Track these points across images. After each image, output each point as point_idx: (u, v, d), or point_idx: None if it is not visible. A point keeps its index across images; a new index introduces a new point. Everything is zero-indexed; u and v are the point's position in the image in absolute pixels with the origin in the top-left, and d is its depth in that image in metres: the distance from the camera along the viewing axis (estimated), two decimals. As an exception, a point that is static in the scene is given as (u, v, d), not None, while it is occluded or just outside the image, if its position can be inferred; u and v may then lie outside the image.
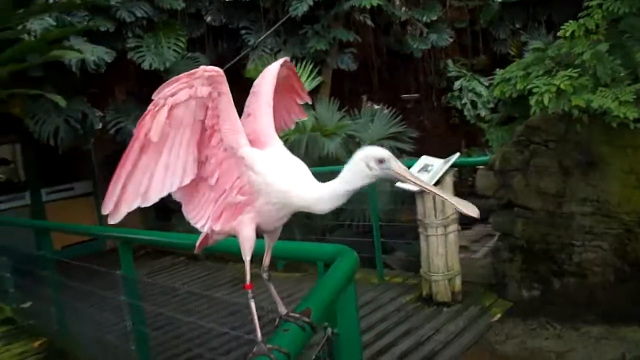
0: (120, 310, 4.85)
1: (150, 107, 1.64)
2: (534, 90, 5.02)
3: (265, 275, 1.98)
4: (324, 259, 2.73)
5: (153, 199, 1.68)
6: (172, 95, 1.64)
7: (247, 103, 2.00)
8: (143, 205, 1.68)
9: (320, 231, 8.95)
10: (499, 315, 5.63)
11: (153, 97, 1.66)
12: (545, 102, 4.86)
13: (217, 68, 1.68)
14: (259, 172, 1.72)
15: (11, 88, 7.52)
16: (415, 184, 1.71)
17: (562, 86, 4.85)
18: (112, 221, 1.67)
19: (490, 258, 6.38)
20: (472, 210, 1.68)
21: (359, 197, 8.11)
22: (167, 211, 8.56)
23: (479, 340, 5.16)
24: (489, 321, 5.54)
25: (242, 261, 1.93)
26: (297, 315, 1.89)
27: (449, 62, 13.74)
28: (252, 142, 1.82)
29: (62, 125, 8.55)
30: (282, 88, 2.09)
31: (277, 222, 1.85)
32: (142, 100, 9.91)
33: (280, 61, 2.08)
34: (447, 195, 1.73)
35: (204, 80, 1.65)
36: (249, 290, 1.84)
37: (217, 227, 1.85)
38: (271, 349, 1.66)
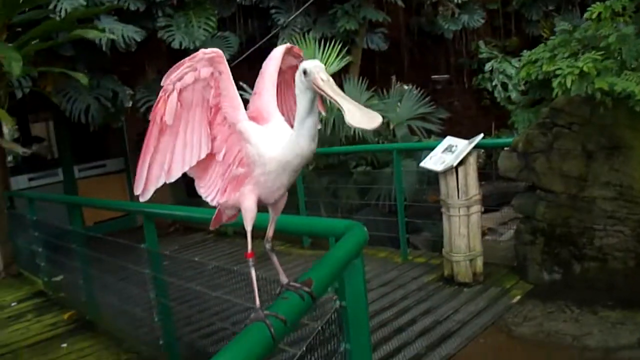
0: (144, 284, 5.00)
1: (161, 93, 1.79)
2: (557, 72, 4.98)
3: (268, 246, 2.05)
4: (335, 234, 2.77)
5: (176, 174, 1.85)
6: (179, 79, 1.78)
7: (255, 83, 2.08)
8: (168, 182, 1.85)
9: (346, 210, 9.02)
10: (518, 297, 5.64)
11: (162, 83, 1.79)
12: (568, 84, 4.82)
13: (215, 49, 1.79)
14: (254, 144, 1.81)
15: (42, 66, 7.68)
16: (333, 99, 1.68)
17: (585, 69, 4.80)
18: (142, 199, 1.85)
19: (513, 240, 6.37)
20: (367, 122, 1.62)
21: (386, 177, 8.25)
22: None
23: (496, 321, 5.17)
24: (509, 303, 5.55)
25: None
26: (297, 285, 1.96)
27: (481, 43, 13.62)
28: (256, 118, 1.93)
29: (93, 103, 8.69)
30: (290, 77, 2.13)
31: (276, 193, 1.91)
32: (172, 79, 10.04)
33: (287, 45, 2.14)
34: (344, 101, 1.67)
35: (205, 62, 1.77)
36: (250, 259, 1.91)
37: (222, 200, 1.94)
38: (268, 314, 1.72)
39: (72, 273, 6.65)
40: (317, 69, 1.72)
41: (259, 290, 1.90)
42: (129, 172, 11.87)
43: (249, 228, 1.90)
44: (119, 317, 5.77)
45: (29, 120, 11.91)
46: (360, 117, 1.62)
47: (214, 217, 2.10)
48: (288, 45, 2.15)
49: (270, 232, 2.05)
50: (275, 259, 2.06)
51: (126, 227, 10.04)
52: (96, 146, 12.07)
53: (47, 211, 7.82)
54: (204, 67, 1.78)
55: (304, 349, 2.44)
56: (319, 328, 2.52)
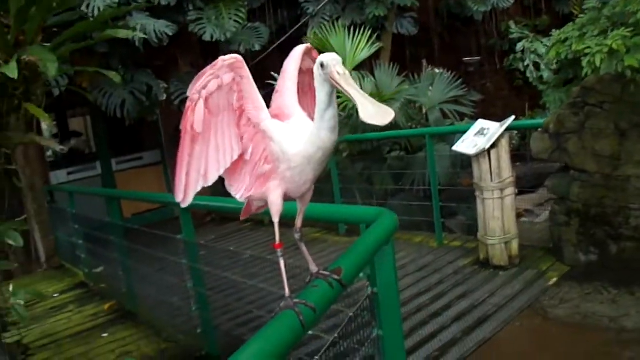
0: (182, 274, 5.10)
1: (188, 103, 1.86)
2: (587, 51, 4.92)
3: (297, 236, 2.08)
4: (366, 221, 2.80)
5: (212, 178, 1.92)
6: (204, 87, 1.83)
7: (277, 82, 2.13)
8: (206, 185, 1.92)
9: (381, 196, 9.03)
10: (555, 280, 5.62)
11: (188, 93, 1.86)
12: (597, 62, 4.76)
13: (235, 55, 1.83)
14: (277, 141, 1.85)
15: (78, 63, 7.82)
16: (347, 93, 1.71)
17: (614, 46, 4.73)
18: (184, 205, 1.93)
19: (548, 222, 6.34)
20: (380, 117, 1.66)
21: (420, 162, 8.24)
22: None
23: (532, 304, 5.16)
24: (545, 285, 5.53)
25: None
26: (327, 273, 1.98)
27: (511, 23, 13.47)
28: (278, 116, 1.98)
29: (128, 97, 8.82)
30: (310, 78, 2.16)
31: (302, 187, 1.94)
32: (205, 71, 10.12)
33: (306, 46, 2.18)
34: (358, 95, 1.69)
35: (226, 69, 1.83)
36: (278, 250, 1.95)
37: (251, 194, 1.99)
38: (298, 303, 1.76)
39: (112, 264, 6.79)
40: (333, 62, 1.75)
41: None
42: (166, 164, 12.02)
43: (275, 219, 1.94)
44: (157, 307, 5.89)
45: (67, 115, 12.11)
46: (373, 112, 1.65)
47: (244, 207, 2.16)
48: (307, 45, 2.18)
49: (298, 222, 2.09)
50: (304, 248, 2.09)
51: (164, 218, 10.18)
52: (133, 139, 12.24)
53: (86, 204, 7.98)
54: (226, 73, 1.83)
55: (337, 335, 2.49)
56: (351, 315, 2.57)
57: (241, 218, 2.25)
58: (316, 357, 2.29)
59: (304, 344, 4.51)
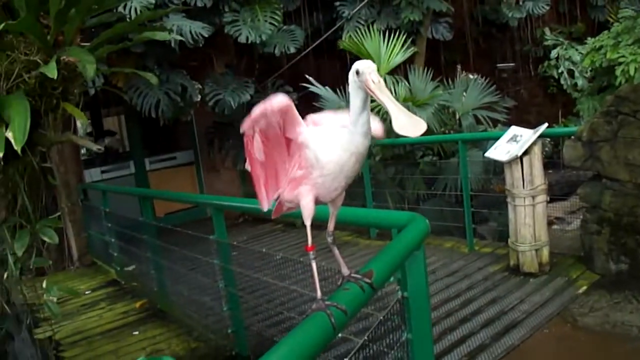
0: (213, 274, 5.15)
1: (245, 139, 2.00)
2: (621, 60, 4.90)
3: (329, 240, 2.10)
4: (398, 226, 2.81)
5: (283, 184, 2.05)
6: (256, 123, 1.90)
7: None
8: (281, 191, 2.06)
9: (413, 200, 9.03)
10: (584, 288, 5.57)
11: (242, 130, 1.97)
12: (631, 72, 4.74)
13: (284, 99, 1.86)
14: (312, 149, 1.88)
15: (114, 64, 7.93)
16: (381, 102, 1.74)
17: (648, 55, 4.72)
18: (266, 209, 2.12)
19: (579, 230, 6.29)
20: (412, 128, 1.71)
21: (452, 167, 8.22)
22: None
23: (562, 311, 5.13)
24: (575, 293, 5.49)
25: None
26: (359, 276, 2.00)
27: (546, 30, 13.38)
28: (313, 123, 2.04)
29: (163, 98, 8.90)
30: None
31: (333, 193, 1.97)
32: (240, 73, 10.20)
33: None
34: (391, 105, 1.73)
35: (275, 112, 1.86)
36: (311, 252, 1.98)
37: (283, 197, 2.03)
38: (329, 305, 1.77)
39: (144, 263, 6.87)
40: (369, 69, 1.78)
41: (323, 280, 1.98)
42: (199, 164, 12.11)
43: (307, 222, 1.97)
44: (188, 306, 5.94)
45: (102, 114, 12.28)
46: (406, 122, 1.70)
47: (275, 207, 2.19)
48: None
49: (330, 226, 2.11)
50: (336, 251, 2.12)
51: (196, 218, 10.26)
52: (166, 139, 12.35)
53: (119, 202, 8.07)
54: (274, 115, 1.88)
55: (366, 337, 2.51)
56: (381, 318, 2.59)
57: (272, 217, 2.29)
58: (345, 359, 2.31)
59: (334, 346, 4.54)
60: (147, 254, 6.61)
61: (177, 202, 10.28)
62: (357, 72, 1.79)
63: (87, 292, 7.80)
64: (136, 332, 6.04)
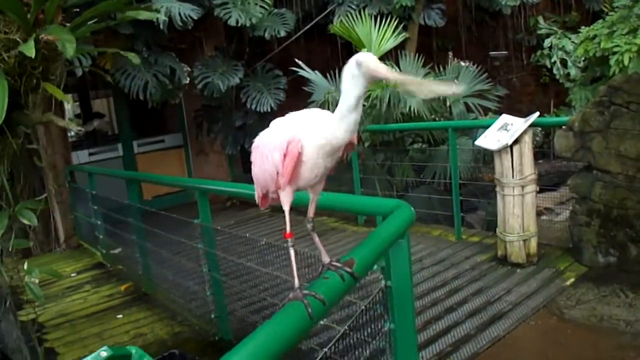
0: (198, 258, 5.10)
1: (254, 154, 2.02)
2: (615, 49, 4.85)
3: (309, 226, 2.05)
4: (383, 213, 2.76)
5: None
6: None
7: None
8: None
9: (401, 187, 8.99)
10: (572, 280, 5.55)
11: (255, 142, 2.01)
12: (625, 61, 4.69)
13: (297, 147, 1.81)
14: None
15: (102, 44, 7.82)
16: (395, 78, 1.81)
17: (644, 45, 4.67)
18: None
19: (568, 221, 6.26)
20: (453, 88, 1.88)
21: (442, 155, 8.19)
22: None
23: (548, 303, 5.10)
24: (562, 285, 5.46)
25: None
26: (339, 264, 1.95)
27: (540, 18, 13.33)
28: None
29: (151, 80, 8.81)
30: None
31: (313, 181, 1.92)
32: (229, 56, 10.11)
33: None
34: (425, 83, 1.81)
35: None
36: (289, 239, 1.93)
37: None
38: (307, 294, 1.73)
39: (129, 246, 6.82)
40: (371, 59, 1.75)
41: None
42: (187, 147, 12.03)
43: (286, 208, 1.92)
44: (173, 290, 5.91)
45: (90, 96, 12.16)
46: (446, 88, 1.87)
47: (260, 200, 2.14)
48: None
49: (310, 212, 2.06)
50: (316, 238, 2.07)
51: (184, 202, 10.17)
52: (155, 122, 12.26)
53: (107, 185, 8.00)
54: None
55: (347, 327, 2.46)
56: (363, 307, 2.54)
57: (261, 208, 2.24)
58: (325, 350, 2.26)
59: (316, 334, 4.51)
60: (132, 237, 6.56)
61: (163, 186, 10.21)
62: (359, 63, 1.74)
63: (72, 275, 7.76)
64: (120, 316, 6.00)
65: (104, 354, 1.14)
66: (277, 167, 1.83)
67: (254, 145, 1.99)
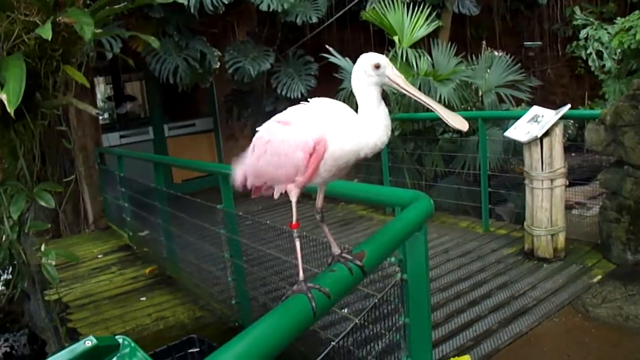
0: (220, 244, 5.10)
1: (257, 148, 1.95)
2: (650, 41, 4.71)
3: (318, 217, 2.01)
4: (400, 204, 2.71)
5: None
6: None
7: None
8: None
9: (430, 177, 8.91)
10: (599, 277, 5.43)
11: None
12: (661, 54, 4.56)
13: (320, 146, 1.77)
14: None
15: (134, 28, 7.85)
16: (410, 93, 1.78)
17: (681, 37, 4.52)
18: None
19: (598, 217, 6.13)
20: (460, 123, 1.80)
21: (472, 145, 8.07)
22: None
23: (573, 300, 4.99)
24: (588, 282, 5.35)
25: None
26: (349, 257, 1.90)
27: (576, 9, 13.07)
28: None
29: (182, 63, 8.81)
30: None
31: (329, 180, 1.88)
32: (261, 42, 10.08)
33: None
34: (435, 105, 1.79)
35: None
36: (295, 230, 1.89)
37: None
38: (311, 287, 1.69)
39: (155, 229, 6.85)
40: (389, 64, 1.76)
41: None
42: (218, 131, 12.04)
43: (293, 200, 1.88)
44: (196, 275, 5.92)
45: (123, 79, 12.22)
46: (454, 119, 1.82)
47: (253, 190, 2.09)
48: None
49: (319, 202, 2.01)
50: (326, 229, 2.02)
51: (212, 186, 10.17)
52: (186, 106, 12.28)
53: (137, 168, 8.05)
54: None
55: (357, 320, 2.43)
56: (376, 301, 2.50)
57: (253, 197, 2.17)
58: (333, 343, 2.23)
59: (334, 324, 4.49)
60: (158, 220, 6.59)
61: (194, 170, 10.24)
62: (377, 66, 1.74)
63: (99, 256, 7.84)
64: (143, 298, 6.05)
65: (88, 343, 1.11)
66: (299, 166, 1.78)
67: (261, 137, 1.91)
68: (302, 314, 1.62)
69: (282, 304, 1.64)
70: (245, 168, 2.00)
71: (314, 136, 1.73)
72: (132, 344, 1.23)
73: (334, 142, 1.74)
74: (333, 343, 2.22)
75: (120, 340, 1.22)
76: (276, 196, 2.00)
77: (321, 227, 2.02)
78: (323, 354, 2.16)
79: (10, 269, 5.75)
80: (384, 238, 2.21)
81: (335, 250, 1.97)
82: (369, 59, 1.76)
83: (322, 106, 1.83)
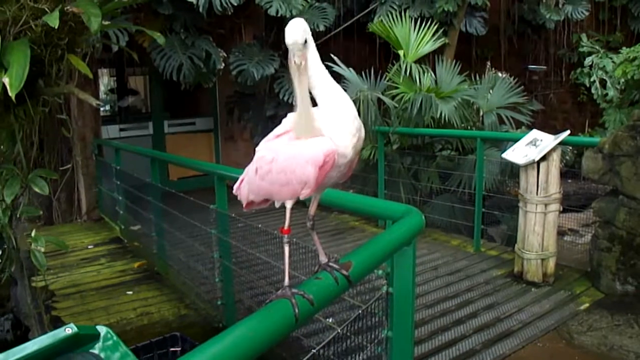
0: (210, 244, 5.10)
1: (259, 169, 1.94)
2: (652, 73, 4.73)
3: (309, 224, 2.01)
4: (392, 217, 2.71)
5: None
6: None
7: None
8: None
9: (425, 193, 8.91)
10: (586, 305, 5.43)
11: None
12: (663, 87, 4.58)
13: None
14: None
15: (142, 23, 7.88)
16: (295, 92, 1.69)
17: (683, 72, 4.55)
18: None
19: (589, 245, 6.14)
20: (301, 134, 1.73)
21: (469, 164, 8.08)
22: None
23: (559, 326, 5.00)
24: (575, 309, 5.35)
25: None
26: (336, 266, 1.90)
27: (583, 36, 13.12)
28: None
29: (186, 61, 8.84)
30: None
31: (326, 187, 1.88)
32: (267, 45, 10.09)
33: None
34: (303, 107, 1.69)
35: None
36: (285, 235, 1.89)
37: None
38: (295, 293, 1.69)
39: (147, 224, 6.84)
40: (293, 44, 1.67)
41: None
42: (217, 132, 12.05)
43: (288, 206, 1.88)
44: (184, 273, 5.91)
45: (127, 73, 12.24)
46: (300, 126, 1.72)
47: (244, 204, 2.10)
48: None
49: (312, 209, 2.01)
50: (315, 237, 2.02)
51: (207, 186, 10.15)
52: (188, 104, 12.30)
53: (134, 162, 8.05)
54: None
55: (339, 330, 2.43)
56: (360, 311, 2.51)
57: (245, 209, 2.16)
58: (314, 350, 2.23)
59: (318, 333, 4.49)
60: (150, 215, 6.58)
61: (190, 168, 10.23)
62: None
63: (89, 247, 7.84)
64: (130, 292, 6.05)
65: (69, 330, 1.11)
66: (309, 180, 1.76)
67: (263, 157, 1.88)
68: (284, 319, 1.62)
69: (264, 307, 1.65)
70: (249, 188, 2.00)
71: (324, 149, 1.71)
72: (114, 335, 1.24)
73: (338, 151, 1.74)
74: (314, 350, 2.22)
75: (101, 331, 1.22)
76: (277, 205, 2.00)
77: (311, 234, 2.02)
78: (304, 360, 2.16)
79: (0, 253, 5.74)
80: (372, 250, 2.21)
81: (323, 258, 1.97)
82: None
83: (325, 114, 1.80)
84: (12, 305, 8.36)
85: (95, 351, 1.19)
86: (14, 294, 8.08)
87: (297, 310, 1.63)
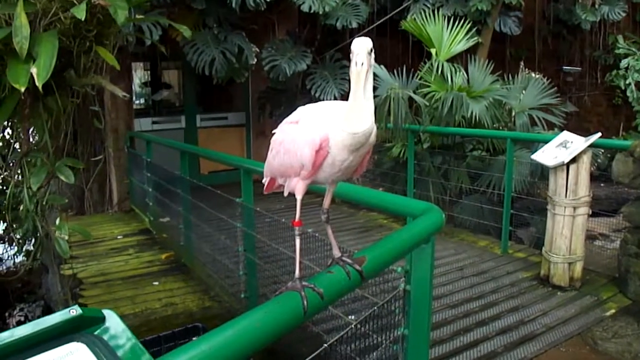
0: (235, 237, 5.13)
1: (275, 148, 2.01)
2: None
3: (323, 218, 2.02)
4: (413, 215, 2.69)
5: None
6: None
7: None
8: None
9: (455, 193, 8.86)
10: (612, 311, 5.35)
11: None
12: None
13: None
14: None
15: (176, 18, 7.95)
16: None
17: None
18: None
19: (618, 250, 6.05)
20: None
21: (499, 165, 8.01)
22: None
23: (583, 332, 4.93)
24: (601, 315, 5.27)
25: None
26: (349, 260, 1.91)
27: (619, 37, 12.91)
28: None
29: (218, 56, 8.88)
30: None
31: (333, 177, 1.88)
32: (300, 42, 10.11)
33: None
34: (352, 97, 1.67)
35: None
36: (297, 228, 1.90)
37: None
38: (305, 286, 1.70)
39: (176, 217, 6.91)
40: (358, 49, 1.66)
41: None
42: (249, 127, 12.10)
43: (298, 197, 1.89)
44: (210, 266, 5.96)
45: (161, 67, 12.34)
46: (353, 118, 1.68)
47: (266, 184, 2.13)
48: None
49: (326, 202, 2.02)
50: (329, 230, 2.03)
51: (238, 180, 10.20)
52: (220, 98, 12.36)
53: (166, 155, 8.11)
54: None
55: (353, 325, 2.43)
56: (375, 308, 2.51)
57: (265, 192, 2.22)
58: (325, 345, 2.24)
59: (338, 330, 4.48)
60: (179, 208, 6.65)
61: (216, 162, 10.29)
62: (352, 52, 1.67)
63: (119, 237, 7.94)
64: (156, 283, 6.11)
65: (73, 312, 1.13)
66: (305, 162, 1.80)
67: (276, 139, 1.96)
68: (293, 311, 1.63)
69: (273, 299, 1.66)
70: (267, 167, 2.07)
71: (320, 134, 1.74)
72: (119, 319, 1.25)
73: (333, 139, 1.75)
74: (325, 345, 2.23)
75: (107, 314, 1.24)
76: (285, 194, 2.02)
77: (326, 228, 2.03)
78: (314, 354, 2.17)
79: (33, 241, 5.85)
80: (388, 246, 2.21)
81: (336, 252, 1.97)
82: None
83: (329, 107, 1.85)
84: (43, 292, 8.51)
85: (100, 334, 1.21)
86: (46, 282, 8.22)
87: (305, 303, 1.64)
